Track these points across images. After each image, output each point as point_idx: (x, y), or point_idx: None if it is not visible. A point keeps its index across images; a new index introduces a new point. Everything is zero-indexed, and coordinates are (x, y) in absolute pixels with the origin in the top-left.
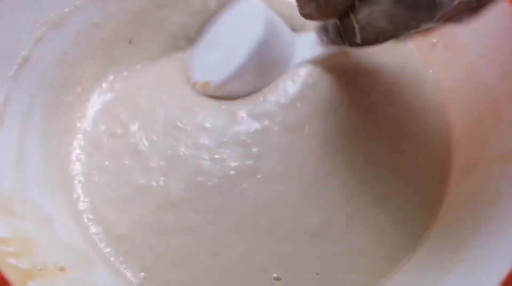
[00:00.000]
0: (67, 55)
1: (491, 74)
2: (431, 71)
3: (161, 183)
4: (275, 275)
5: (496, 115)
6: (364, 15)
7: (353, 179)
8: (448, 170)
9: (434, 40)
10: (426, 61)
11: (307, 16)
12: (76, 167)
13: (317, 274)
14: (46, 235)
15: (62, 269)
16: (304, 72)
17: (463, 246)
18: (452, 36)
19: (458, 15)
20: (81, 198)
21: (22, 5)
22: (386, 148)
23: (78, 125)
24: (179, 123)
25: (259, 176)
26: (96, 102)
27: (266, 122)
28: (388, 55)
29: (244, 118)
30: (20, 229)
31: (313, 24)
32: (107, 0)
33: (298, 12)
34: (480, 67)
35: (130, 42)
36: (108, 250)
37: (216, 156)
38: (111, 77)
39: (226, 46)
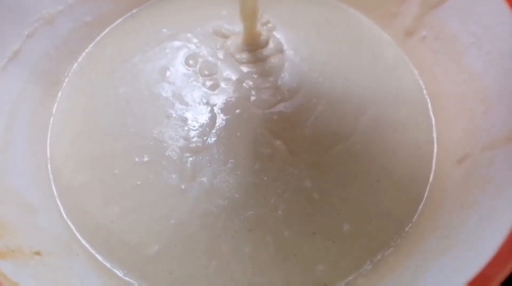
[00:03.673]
0: (58, 51)
1: (479, 62)
2: (421, 63)
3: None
4: None
5: (485, 104)
6: None
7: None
8: (439, 161)
9: (424, 33)
10: (416, 53)
11: None
12: (62, 159)
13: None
14: (25, 222)
15: (37, 253)
16: None
17: (452, 232)
18: (441, 27)
19: None
20: (65, 190)
21: (16, 2)
22: (376, 142)
23: (65, 118)
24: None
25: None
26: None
27: None
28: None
29: None
30: None
31: None
32: (99, 0)
33: None
34: (468, 56)
35: None
36: (87, 239)
37: None
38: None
39: None
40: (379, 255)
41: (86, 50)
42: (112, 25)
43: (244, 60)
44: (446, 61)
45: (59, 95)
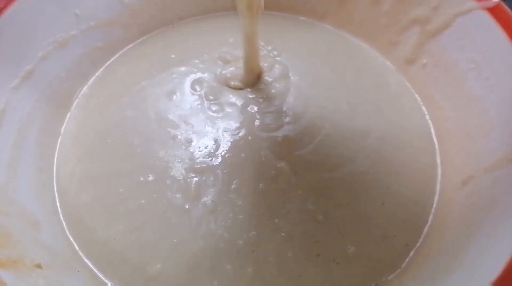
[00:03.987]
0: (69, 74)
1: (479, 87)
2: (423, 89)
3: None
4: None
5: (487, 126)
6: None
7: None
8: (443, 183)
9: (424, 61)
10: (418, 80)
11: None
12: (67, 178)
13: None
14: (28, 235)
15: (38, 266)
16: None
17: (458, 254)
18: (441, 54)
19: None
20: (69, 208)
21: (32, 24)
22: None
23: (73, 137)
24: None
25: None
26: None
27: None
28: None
29: None
30: (1, 224)
31: None
32: (110, 27)
33: None
34: (468, 81)
35: None
36: (88, 257)
37: None
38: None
39: None
40: (384, 278)
41: (96, 74)
42: (122, 51)
43: (238, 87)
44: (447, 87)
45: (68, 116)
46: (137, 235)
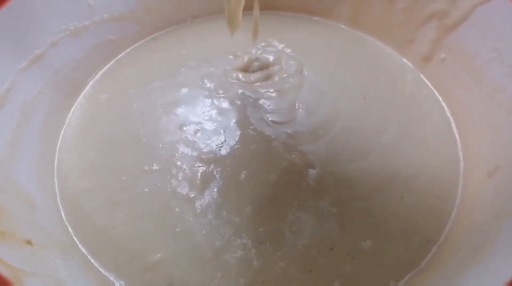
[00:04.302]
0: (79, 64)
1: (502, 75)
2: (442, 84)
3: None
4: None
5: (511, 115)
6: None
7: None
8: (466, 177)
9: (443, 55)
10: (436, 76)
11: None
12: (69, 163)
13: None
14: (22, 212)
15: (28, 242)
16: None
17: (486, 244)
18: (460, 47)
19: None
20: (68, 193)
21: (45, 9)
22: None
23: (78, 125)
24: None
25: None
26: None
27: None
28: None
29: None
30: None
31: None
32: (124, 21)
33: None
34: (490, 71)
35: None
36: (84, 244)
37: None
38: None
39: None
40: (403, 275)
41: (107, 66)
42: (134, 46)
43: (248, 79)
44: (468, 80)
45: (75, 105)
46: (137, 224)
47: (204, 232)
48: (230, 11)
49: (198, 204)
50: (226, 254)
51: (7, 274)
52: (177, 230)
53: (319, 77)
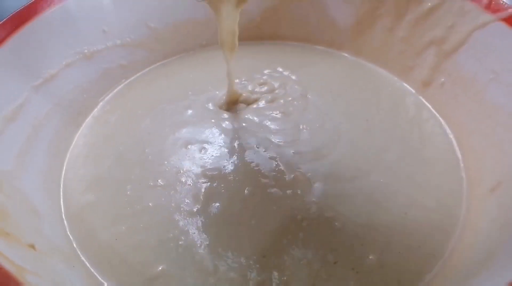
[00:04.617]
0: (91, 85)
1: (501, 95)
2: (443, 107)
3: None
4: None
5: None
6: None
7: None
8: (469, 194)
9: (442, 79)
10: (437, 99)
11: None
12: (75, 178)
13: None
14: (27, 220)
15: (32, 246)
16: None
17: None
18: (459, 71)
19: None
20: (73, 206)
21: (62, 31)
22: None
23: (85, 143)
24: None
25: None
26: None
27: None
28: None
29: None
30: (1, 202)
31: None
32: (135, 47)
33: None
34: (489, 92)
35: None
36: (86, 255)
37: None
38: None
39: None
40: None
41: (117, 89)
42: (144, 71)
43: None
44: (468, 102)
45: (84, 123)
46: (140, 236)
47: (207, 245)
48: (224, 39)
49: (201, 218)
50: (229, 268)
51: (12, 270)
52: (180, 243)
53: (323, 101)
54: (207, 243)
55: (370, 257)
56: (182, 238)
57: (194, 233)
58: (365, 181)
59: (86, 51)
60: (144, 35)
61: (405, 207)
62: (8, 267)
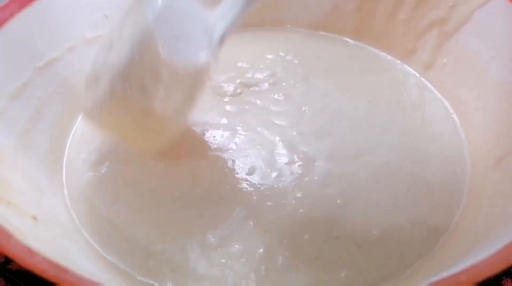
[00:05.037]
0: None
1: (504, 71)
2: (445, 87)
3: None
4: None
5: None
6: None
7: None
8: (473, 169)
9: (444, 60)
10: (439, 80)
11: None
12: (78, 157)
13: None
14: (29, 193)
15: (34, 218)
16: None
17: (494, 227)
18: (461, 51)
19: None
20: (75, 183)
21: (64, 16)
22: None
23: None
24: None
25: None
26: None
27: None
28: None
29: None
30: (3, 175)
31: None
32: None
33: None
34: (491, 69)
35: None
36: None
37: None
38: None
39: None
40: (411, 263)
41: None
42: None
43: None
44: (470, 80)
45: None
46: (141, 215)
47: (210, 221)
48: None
49: (202, 198)
50: (230, 242)
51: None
52: (181, 220)
53: (325, 83)
54: (210, 218)
55: (373, 232)
56: (184, 216)
57: (194, 212)
58: (367, 159)
59: (88, 35)
60: None
61: (408, 184)
62: (7, 226)
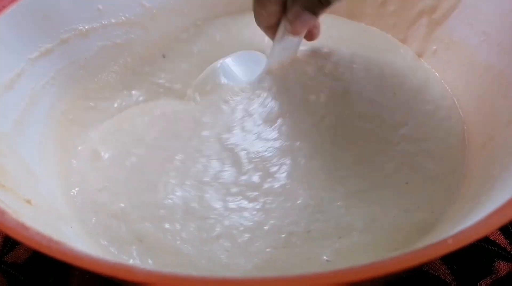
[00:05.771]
0: (87, 63)
1: (492, 54)
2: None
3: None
4: None
5: (503, 87)
6: None
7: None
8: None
9: (434, 47)
10: (432, 67)
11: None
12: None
13: None
14: (24, 179)
15: (28, 201)
16: None
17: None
18: (450, 37)
19: None
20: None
21: (58, 7)
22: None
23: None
24: None
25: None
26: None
27: None
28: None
29: None
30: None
31: None
32: (130, 27)
33: None
34: (481, 53)
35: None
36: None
37: None
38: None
39: None
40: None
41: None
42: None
43: None
44: (460, 65)
45: None
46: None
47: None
48: None
49: (195, 175)
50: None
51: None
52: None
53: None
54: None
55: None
56: (191, 199)
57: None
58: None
59: (81, 28)
60: (139, 14)
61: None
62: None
